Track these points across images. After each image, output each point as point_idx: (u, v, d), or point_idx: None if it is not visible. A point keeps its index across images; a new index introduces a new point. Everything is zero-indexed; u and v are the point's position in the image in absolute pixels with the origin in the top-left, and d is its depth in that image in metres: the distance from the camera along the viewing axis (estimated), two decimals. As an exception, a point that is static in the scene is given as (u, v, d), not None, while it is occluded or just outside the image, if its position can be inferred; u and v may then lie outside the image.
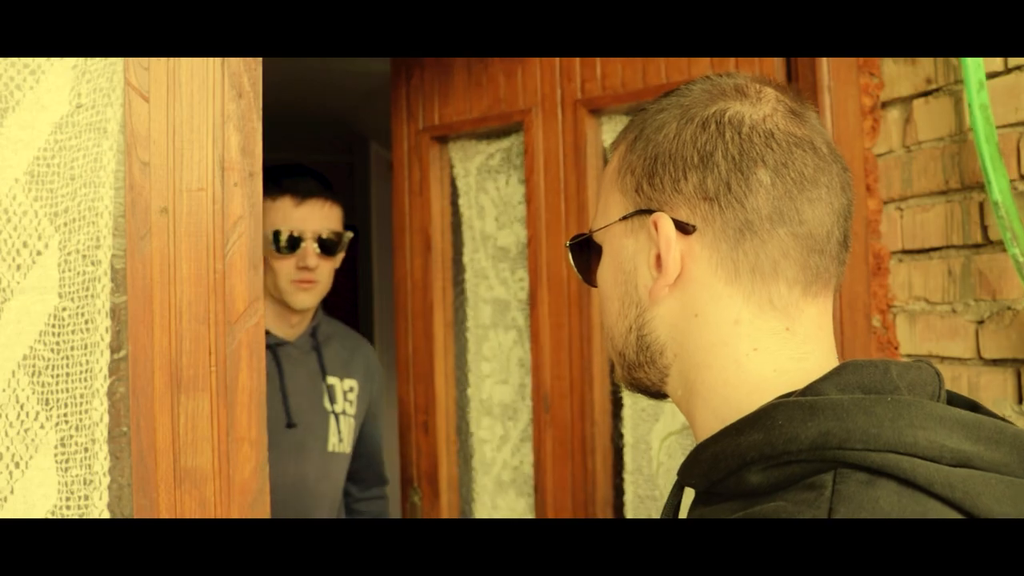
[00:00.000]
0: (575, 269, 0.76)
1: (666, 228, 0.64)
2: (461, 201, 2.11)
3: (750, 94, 0.66)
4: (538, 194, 1.88)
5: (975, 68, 1.24)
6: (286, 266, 1.79)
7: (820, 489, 0.55)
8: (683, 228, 0.64)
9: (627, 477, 1.83)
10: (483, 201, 2.08)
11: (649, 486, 1.80)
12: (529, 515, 2.00)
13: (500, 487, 2.05)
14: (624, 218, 0.68)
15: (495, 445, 2.05)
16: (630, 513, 1.82)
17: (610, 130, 1.85)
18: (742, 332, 0.64)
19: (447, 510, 2.07)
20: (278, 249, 1.78)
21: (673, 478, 1.74)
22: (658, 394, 0.73)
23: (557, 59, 1.86)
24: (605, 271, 0.72)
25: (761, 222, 0.63)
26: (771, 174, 0.63)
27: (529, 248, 1.91)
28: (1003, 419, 0.62)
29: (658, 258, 0.65)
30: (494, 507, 2.05)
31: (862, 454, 0.55)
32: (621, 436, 1.85)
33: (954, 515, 0.55)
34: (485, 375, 2.07)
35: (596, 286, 0.74)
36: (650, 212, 0.66)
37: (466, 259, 2.10)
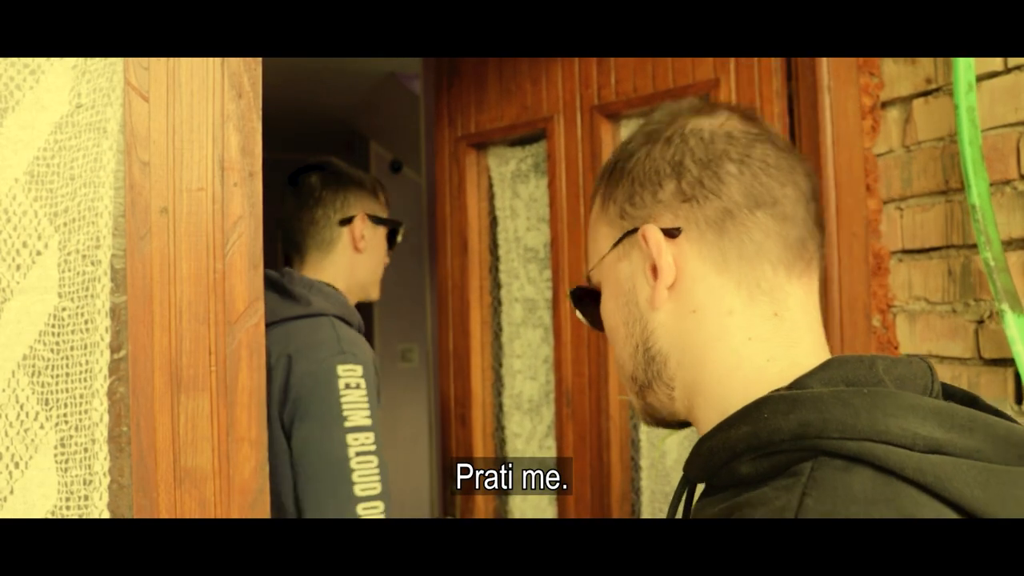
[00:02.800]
0: (582, 318, 0.80)
1: (655, 236, 0.68)
2: (497, 205, 2.19)
3: (705, 111, 0.72)
4: (560, 197, 1.95)
5: (965, 70, 1.24)
6: (384, 259, 1.73)
7: (798, 476, 0.58)
8: (670, 233, 0.68)
9: (643, 472, 1.87)
10: (516, 205, 2.16)
11: (663, 481, 1.84)
12: (551, 510, 2.06)
13: (528, 480, 2.13)
14: (615, 245, 0.72)
15: (525, 439, 2.13)
16: (645, 507, 1.85)
17: (627, 134, 1.88)
18: (736, 322, 0.67)
19: (483, 502, 2.15)
20: (394, 242, 1.74)
21: (679, 474, 1.77)
22: (671, 420, 0.76)
23: (576, 67, 1.91)
24: (607, 305, 0.75)
25: (739, 208, 0.66)
26: (737, 165, 0.67)
27: (552, 249, 1.96)
28: (1000, 413, 0.63)
29: (653, 267, 0.69)
30: (524, 500, 2.13)
31: (839, 442, 0.58)
32: (637, 431, 1.89)
33: (925, 499, 0.56)
34: (516, 371, 2.16)
35: (603, 330, 0.76)
36: (636, 230, 0.70)
37: (501, 260, 2.19)
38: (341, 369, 1.46)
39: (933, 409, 0.59)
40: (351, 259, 1.67)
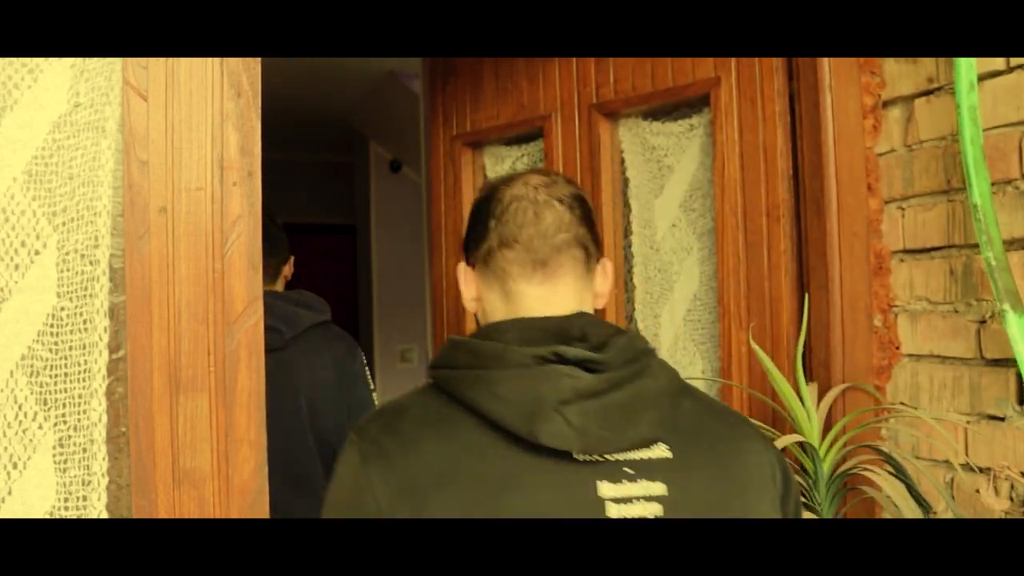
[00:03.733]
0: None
1: (461, 269, 1.09)
2: None
3: (506, 180, 1.08)
4: None
5: (967, 69, 1.24)
6: None
7: None
8: (470, 266, 1.08)
9: None
10: None
11: None
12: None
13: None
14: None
15: None
16: None
17: (625, 133, 1.87)
18: (498, 317, 1.05)
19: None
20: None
21: None
22: None
23: (575, 65, 1.90)
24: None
25: (495, 248, 1.03)
26: (496, 220, 1.04)
27: None
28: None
29: None
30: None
31: (431, 371, 1.00)
32: None
33: (446, 398, 0.95)
34: None
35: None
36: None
37: None
38: (360, 354, 2.21)
39: (467, 343, 0.98)
40: (282, 286, 2.37)
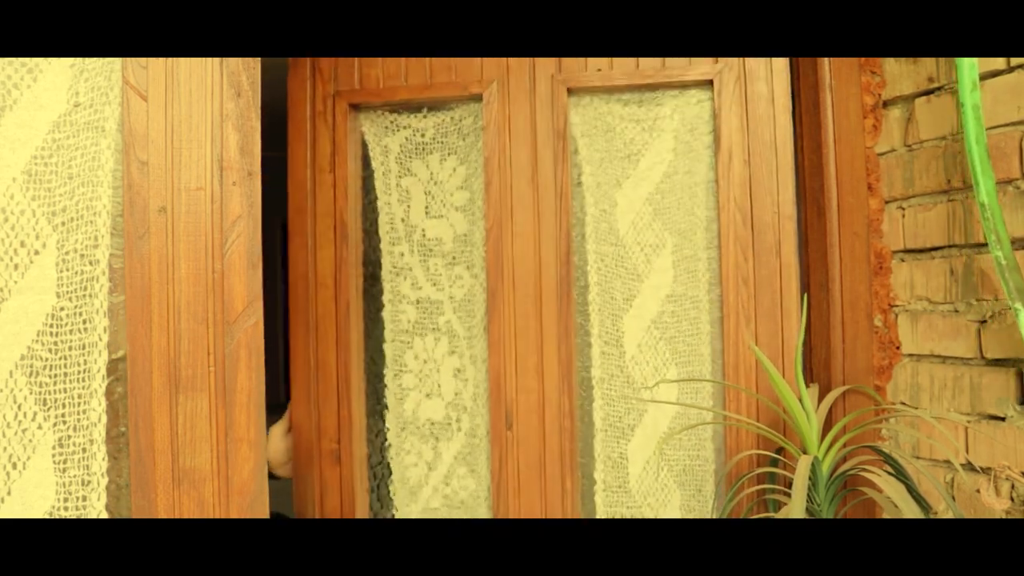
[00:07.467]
0: None
1: None
2: (377, 184, 1.77)
3: None
4: (499, 178, 1.65)
5: (969, 68, 1.24)
6: None
7: None
8: None
9: (598, 495, 1.68)
10: (407, 185, 1.76)
11: (626, 502, 1.68)
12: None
13: (429, 517, 1.76)
14: None
15: (423, 470, 1.77)
16: None
17: (581, 111, 1.69)
18: None
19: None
20: None
21: (672, 483, 1.72)
22: None
23: None
24: None
25: None
26: None
27: (488, 239, 1.66)
28: None
29: None
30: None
31: None
32: (592, 452, 1.68)
33: None
34: (408, 389, 1.77)
35: None
36: None
37: (383, 252, 1.78)
38: None
39: None
40: None
